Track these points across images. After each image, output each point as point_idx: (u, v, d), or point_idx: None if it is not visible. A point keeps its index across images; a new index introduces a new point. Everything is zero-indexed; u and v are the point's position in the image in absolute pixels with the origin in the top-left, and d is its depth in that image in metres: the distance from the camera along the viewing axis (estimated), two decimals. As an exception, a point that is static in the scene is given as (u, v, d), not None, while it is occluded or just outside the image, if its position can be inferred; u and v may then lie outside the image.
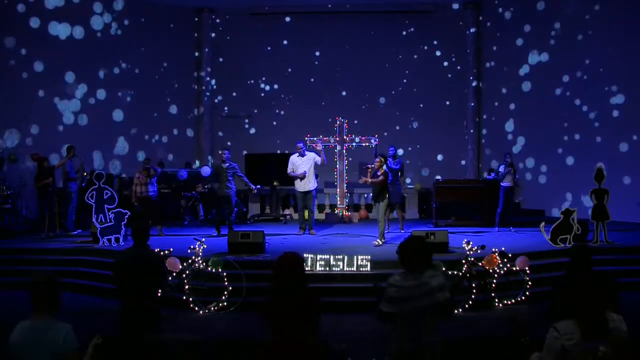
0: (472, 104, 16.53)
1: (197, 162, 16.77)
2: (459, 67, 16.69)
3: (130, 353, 3.13)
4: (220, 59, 17.08)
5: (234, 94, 17.06)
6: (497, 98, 16.20)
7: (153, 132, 16.21)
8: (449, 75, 16.71)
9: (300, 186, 11.19)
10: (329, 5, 16.63)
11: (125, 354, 3.14)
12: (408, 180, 15.54)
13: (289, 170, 11.28)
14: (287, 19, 16.98)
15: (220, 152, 11.47)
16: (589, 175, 11.51)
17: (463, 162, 16.68)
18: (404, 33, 16.78)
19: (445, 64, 16.73)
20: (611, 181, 11.73)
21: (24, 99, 13.67)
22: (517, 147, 15.48)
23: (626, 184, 12.96)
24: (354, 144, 13.84)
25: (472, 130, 16.54)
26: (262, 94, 16.96)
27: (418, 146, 16.70)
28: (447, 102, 16.69)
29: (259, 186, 11.62)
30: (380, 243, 9.65)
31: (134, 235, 5.30)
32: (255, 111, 17.06)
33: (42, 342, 3.22)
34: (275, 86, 16.99)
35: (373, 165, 9.84)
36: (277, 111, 16.97)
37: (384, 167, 9.87)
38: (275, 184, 14.11)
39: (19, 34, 13.71)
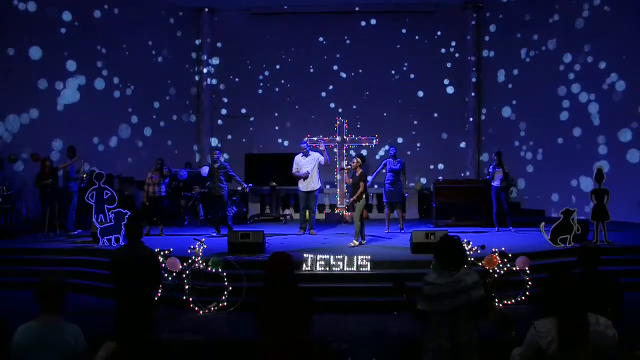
0: (473, 94, 16.52)
1: (197, 156, 16.81)
2: (457, 55, 16.68)
3: (125, 353, 3.12)
4: (220, 47, 17.09)
5: (235, 79, 17.06)
6: (497, 87, 16.18)
7: (152, 119, 16.20)
8: (449, 65, 16.70)
9: (304, 186, 11.20)
10: (329, 5, 16.69)
11: (122, 355, 3.14)
12: (411, 184, 15.55)
13: (293, 170, 11.31)
14: (288, 18, 16.98)
15: (212, 152, 11.52)
16: (588, 160, 11.93)
17: (463, 145, 16.65)
18: (404, 31, 16.80)
19: (443, 50, 16.72)
20: (612, 171, 11.99)
21: (23, 84, 13.62)
22: (518, 136, 15.50)
23: (631, 162, 12.96)
24: (354, 144, 13.87)
25: (471, 119, 16.51)
26: (262, 92, 16.95)
27: (418, 145, 16.70)
28: (447, 91, 16.67)
29: (251, 185, 11.64)
30: (357, 244, 9.58)
31: (127, 234, 5.35)
32: (254, 109, 17.04)
33: (54, 343, 3.19)
34: (275, 84, 16.98)
35: (349, 166, 9.80)
36: (276, 108, 16.96)
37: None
38: (273, 184, 14.11)
39: (20, 19, 13.67)
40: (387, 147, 15.94)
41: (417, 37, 16.70)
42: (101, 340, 3.30)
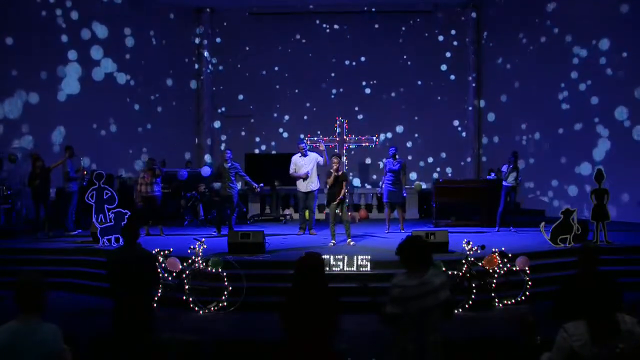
0: (474, 84, 16.55)
1: (195, 150, 16.78)
2: (455, 43, 16.71)
3: (125, 353, 3.11)
4: (220, 43, 17.14)
5: (235, 75, 17.13)
6: (496, 76, 16.20)
7: (152, 110, 16.22)
8: (448, 54, 16.69)
9: (303, 186, 11.16)
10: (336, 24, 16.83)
11: (121, 354, 3.13)
12: (414, 176, 15.63)
13: (291, 171, 11.25)
14: (287, 17, 17.02)
15: (222, 151, 11.52)
16: (588, 146, 12.98)
17: (464, 134, 16.62)
18: (403, 28, 16.87)
19: (441, 38, 16.76)
20: (611, 160, 12.54)
21: (23, 74, 13.61)
22: (517, 124, 15.55)
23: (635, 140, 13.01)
24: (354, 144, 13.87)
25: (470, 108, 16.52)
26: (262, 88, 16.98)
27: (419, 139, 16.73)
28: (447, 81, 16.72)
29: (262, 184, 11.60)
30: (353, 243, 9.65)
31: (124, 235, 5.32)
32: (252, 121, 17.09)
33: (33, 343, 3.16)
34: (275, 80, 17.03)
35: (334, 167, 9.72)
36: (276, 103, 17.04)
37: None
38: (276, 183, 14.10)
39: (20, 8, 13.68)
40: (389, 135, 16.09)
41: (417, 31, 16.78)
42: (100, 340, 3.29)
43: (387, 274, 7.77)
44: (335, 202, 9.64)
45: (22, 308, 3.27)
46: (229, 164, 10.86)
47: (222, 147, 16.80)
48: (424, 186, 15.24)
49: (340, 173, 9.66)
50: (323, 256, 7.86)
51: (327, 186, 9.73)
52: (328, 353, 3.44)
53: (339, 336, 3.71)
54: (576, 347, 2.91)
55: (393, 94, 16.71)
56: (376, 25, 16.85)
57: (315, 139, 13.06)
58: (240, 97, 17.07)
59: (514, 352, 3.57)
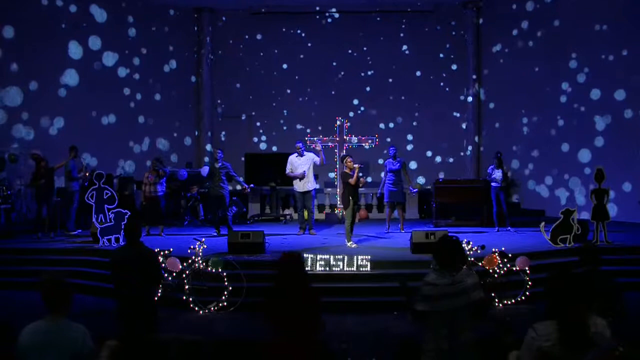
0: (474, 76, 16.52)
1: (196, 133, 16.92)
2: (454, 33, 16.70)
3: (128, 353, 3.12)
4: (220, 41, 17.11)
5: (235, 74, 17.09)
6: (497, 70, 16.18)
7: (153, 104, 16.20)
8: (447, 45, 16.67)
9: (299, 186, 11.18)
10: (333, 8, 16.75)
11: (124, 353, 3.13)
12: (422, 180, 15.63)
13: (287, 171, 11.27)
14: (287, 17, 17.02)
15: (214, 151, 11.55)
16: (588, 136, 13.35)
17: (464, 125, 16.62)
18: (404, 26, 16.87)
19: (439, 27, 16.73)
20: (612, 149, 12.79)
21: (24, 65, 13.60)
22: (518, 118, 15.52)
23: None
24: (355, 144, 13.84)
25: (470, 98, 16.48)
26: (262, 92, 16.96)
27: (419, 130, 16.73)
28: (447, 72, 16.70)
29: (252, 185, 11.64)
30: (356, 245, 9.66)
31: (126, 234, 5.34)
32: (253, 113, 17.09)
33: (62, 343, 3.19)
34: (276, 79, 16.99)
35: (356, 167, 9.65)
36: (276, 103, 17.03)
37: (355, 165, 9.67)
38: (272, 184, 14.09)
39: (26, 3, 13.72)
40: (390, 125, 16.11)
41: (417, 24, 16.75)
42: (102, 340, 3.30)
43: (387, 273, 7.82)
44: (356, 202, 9.68)
45: (50, 308, 3.30)
46: (220, 164, 10.86)
47: (222, 139, 16.85)
48: (422, 182, 15.28)
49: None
50: (330, 256, 7.91)
51: (349, 186, 9.50)
52: (312, 350, 3.45)
53: (324, 333, 3.73)
54: (546, 347, 2.89)
55: (393, 86, 16.71)
56: (378, 18, 16.88)
57: (315, 139, 13.04)
58: (240, 93, 17.04)
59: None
